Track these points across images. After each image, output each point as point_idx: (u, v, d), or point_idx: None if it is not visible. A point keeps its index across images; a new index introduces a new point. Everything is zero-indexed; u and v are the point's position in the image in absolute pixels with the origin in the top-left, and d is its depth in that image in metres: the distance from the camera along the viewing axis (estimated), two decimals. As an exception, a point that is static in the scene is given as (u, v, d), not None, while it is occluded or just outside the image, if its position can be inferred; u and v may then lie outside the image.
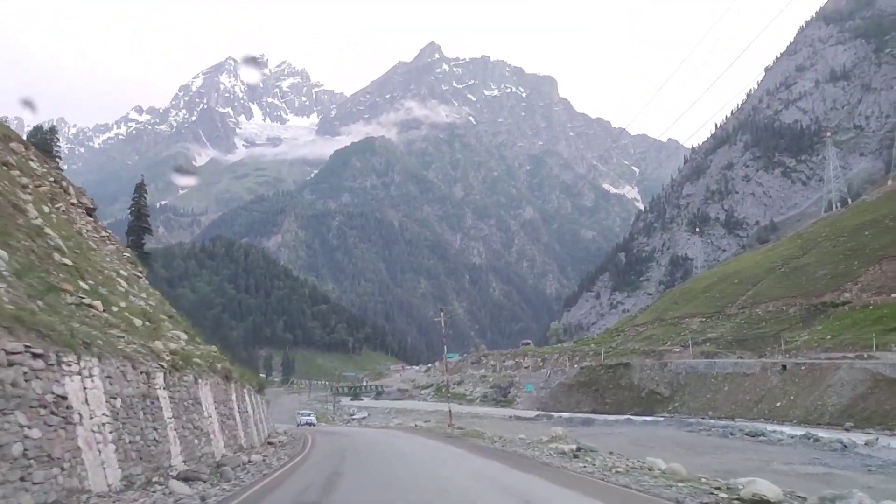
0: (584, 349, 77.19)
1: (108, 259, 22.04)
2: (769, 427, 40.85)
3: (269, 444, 23.94)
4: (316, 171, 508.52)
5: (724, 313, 75.51)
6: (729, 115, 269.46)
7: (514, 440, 27.06)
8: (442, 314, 37.37)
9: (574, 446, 21.01)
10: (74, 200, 25.00)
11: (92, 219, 26.39)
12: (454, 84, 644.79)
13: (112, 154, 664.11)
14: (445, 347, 37.25)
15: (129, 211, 60.95)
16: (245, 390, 24.06)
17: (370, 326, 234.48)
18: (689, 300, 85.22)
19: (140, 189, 58.85)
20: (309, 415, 55.44)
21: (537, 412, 60.53)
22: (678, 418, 51.37)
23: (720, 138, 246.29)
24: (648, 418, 51.81)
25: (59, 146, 75.66)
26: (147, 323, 16.26)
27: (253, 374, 31.88)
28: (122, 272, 21.95)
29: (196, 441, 14.51)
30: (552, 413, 60.00)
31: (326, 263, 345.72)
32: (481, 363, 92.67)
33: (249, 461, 16.46)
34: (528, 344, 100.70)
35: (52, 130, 57.74)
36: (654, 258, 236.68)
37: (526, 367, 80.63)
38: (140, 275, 27.61)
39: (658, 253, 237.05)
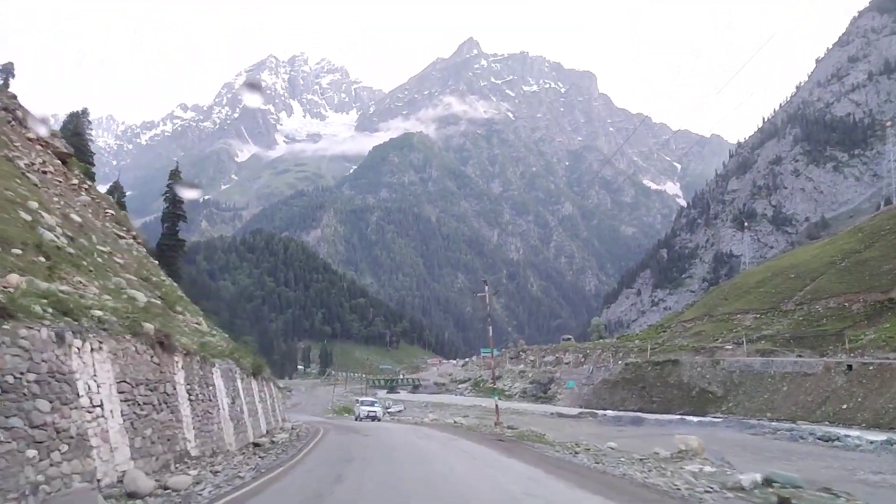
0: (628, 345, 73.94)
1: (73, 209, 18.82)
2: (839, 431, 37.57)
3: (256, 444, 18.69)
4: (355, 167, 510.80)
5: (779, 310, 71.46)
6: (778, 107, 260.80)
7: (606, 451, 19.73)
8: (486, 287, 32.98)
9: (755, 477, 11.67)
10: (32, 135, 21.02)
11: (64, 165, 22.70)
12: (492, 80, 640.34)
13: (158, 150, 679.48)
14: (490, 329, 32.80)
15: (164, 199, 60.54)
16: (237, 376, 19.55)
17: (408, 320, 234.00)
18: (741, 296, 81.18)
19: (175, 176, 58.21)
20: (372, 404, 46.94)
21: (580, 409, 57.91)
22: (735, 419, 48.13)
23: (768, 132, 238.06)
24: (703, 419, 48.65)
25: (91, 129, 76.96)
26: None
27: (247, 354, 25.59)
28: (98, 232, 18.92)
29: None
30: (596, 411, 57.33)
31: (365, 258, 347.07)
32: (520, 358, 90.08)
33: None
34: (569, 339, 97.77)
35: (84, 112, 57.80)
36: (697, 255, 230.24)
37: (567, 363, 77.81)
38: (126, 236, 24.32)
39: (702, 250, 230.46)
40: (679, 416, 49.23)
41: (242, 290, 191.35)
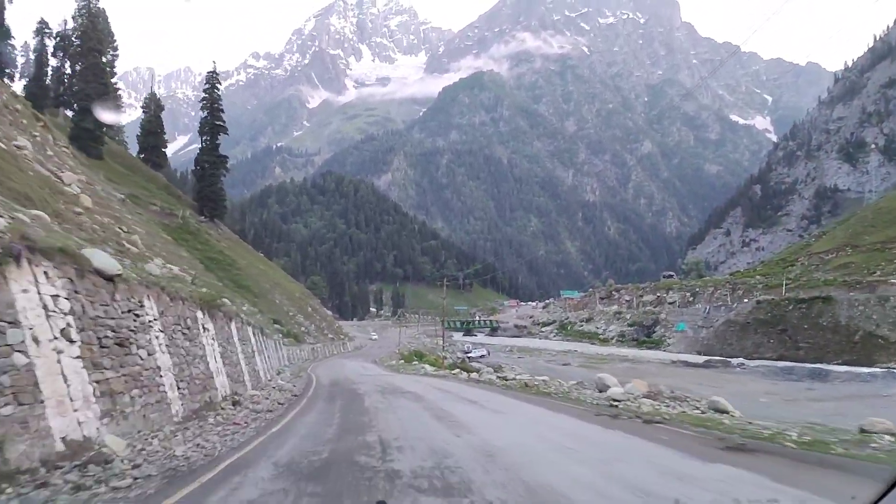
0: (748, 282, 63.37)
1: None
2: None
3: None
4: (424, 110, 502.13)
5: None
6: (892, 24, 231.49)
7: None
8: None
9: None
10: None
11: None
12: (566, 13, 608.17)
13: (233, 100, 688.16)
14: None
15: (200, 105, 54.33)
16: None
17: (481, 263, 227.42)
18: (894, 222, 68.17)
19: (212, 80, 51.63)
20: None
21: (704, 357, 48.49)
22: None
23: (880, 53, 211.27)
24: (875, 370, 38.52)
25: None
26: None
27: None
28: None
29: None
30: (728, 358, 47.48)
31: (435, 202, 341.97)
32: (612, 298, 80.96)
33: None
34: (671, 276, 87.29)
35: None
36: (795, 190, 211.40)
37: (671, 303, 68.27)
38: (52, 138, 19.28)
39: (801, 185, 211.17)
40: (885, 369, 37.95)
41: (314, 233, 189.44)
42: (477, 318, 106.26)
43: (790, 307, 49.32)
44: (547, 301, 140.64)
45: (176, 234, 46.36)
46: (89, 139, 49.33)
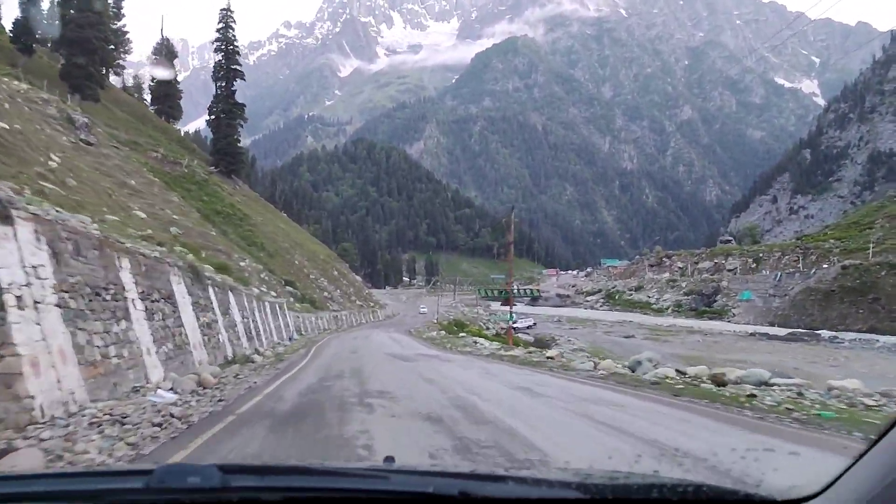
0: (821, 246, 57.48)
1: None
2: None
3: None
4: (456, 77, 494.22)
5: None
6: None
7: None
8: None
9: None
10: None
11: None
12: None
13: (266, 69, 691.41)
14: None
15: (215, 49, 50.26)
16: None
17: (515, 231, 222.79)
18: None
19: (226, 18, 47.47)
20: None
21: (786, 330, 43.11)
22: None
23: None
24: None
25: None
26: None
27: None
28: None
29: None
30: (813, 331, 42.23)
31: (468, 170, 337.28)
32: (663, 266, 75.84)
33: None
34: (730, 241, 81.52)
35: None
36: (847, 155, 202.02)
37: (731, 270, 62.92)
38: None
39: (853, 149, 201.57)
40: None
41: (346, 201, 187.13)
42: (515, 287, 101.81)
43: (883, 273, 43.57)
44: (588, 270, 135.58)
45: (177, 183, 43.24)
46: (83, 77, 44.17)
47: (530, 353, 23.06)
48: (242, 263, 32.57)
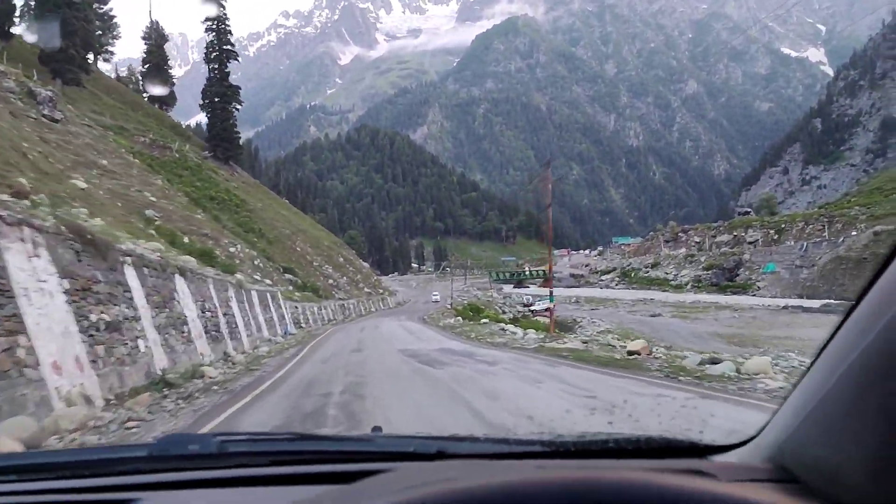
0: (846, 214, 55.27)
1: None
2: None
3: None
4: (458, 60, 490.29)
5: None
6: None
7: None
8: None
9: None
10: None
11: None
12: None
13: (265, 60, 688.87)
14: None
15: (206, 28, 48.76)
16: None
17: (524, 214, 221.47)
18: None
19: None
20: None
21: (819, 301, 41.17)
22: None
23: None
24: None
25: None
26: None
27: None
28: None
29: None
30: (843, 301, 40.75)
31: (473, 153, 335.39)
32: (679, 241, 74.34)
33: None
34: (748, 213, 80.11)
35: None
36: (859, 123, 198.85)
37: (751, 243, 61.15)
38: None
39: (865, 116, 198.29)
40: None
41: (351, 189, 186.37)
42: (526, 268, 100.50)
43: (920, 236, 42.06)
44: (600, 248, 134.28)
45: (166, 168, 41.51)
46: (63, 61, 41.39)
47: (588, 343, 19.20)
48: (233, 249, 30.74)
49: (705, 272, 60.15)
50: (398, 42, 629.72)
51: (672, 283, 62.51)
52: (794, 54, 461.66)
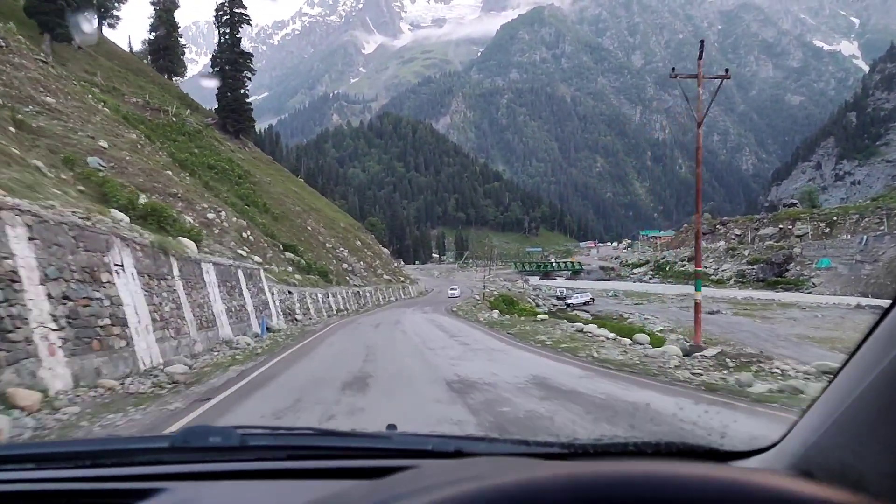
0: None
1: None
2: None
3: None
4: (482, 50, 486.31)
5: None
6: None
7: None
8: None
9: None
10: None
11: None
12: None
13: (290, 49, 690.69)
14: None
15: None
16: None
17: (547, 205, 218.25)
18: None
19: None
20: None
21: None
22: None
23: None
24: None
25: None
26: None
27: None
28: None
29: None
30: None
31: (496, 144, 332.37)
32: (716, 234, 70.90)
33: None
34: (794, 205, 76.62)
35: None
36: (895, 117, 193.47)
37: (799, 236, 57.51)
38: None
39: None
40: None
41: (373, 177, 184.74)
42: (552, 260, 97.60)
43: None
44: (628, 241, 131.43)
45: (159, 132, 37.16)
46: (53, 13, 36.35)
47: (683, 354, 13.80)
48: (212, 216, 25.90)
49: (750, 266, 56.51)
50: (422, 31, 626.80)
51: (712, 277, 59.03)
52: (826, 47, 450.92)
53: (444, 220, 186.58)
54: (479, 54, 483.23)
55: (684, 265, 68.36)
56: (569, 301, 49.85)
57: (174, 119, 40.39)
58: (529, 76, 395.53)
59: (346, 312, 33.92)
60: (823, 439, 0.85)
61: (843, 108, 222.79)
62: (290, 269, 30.05)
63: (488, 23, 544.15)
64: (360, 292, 41.52)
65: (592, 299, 51.11)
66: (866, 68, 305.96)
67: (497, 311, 32.80)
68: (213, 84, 54.80)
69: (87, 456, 1.29)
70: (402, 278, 63.35)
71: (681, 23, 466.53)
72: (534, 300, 46.26)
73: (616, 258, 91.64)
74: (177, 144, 36.31)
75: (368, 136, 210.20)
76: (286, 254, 32.89)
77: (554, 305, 46.86)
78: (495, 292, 48.65)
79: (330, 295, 33.15)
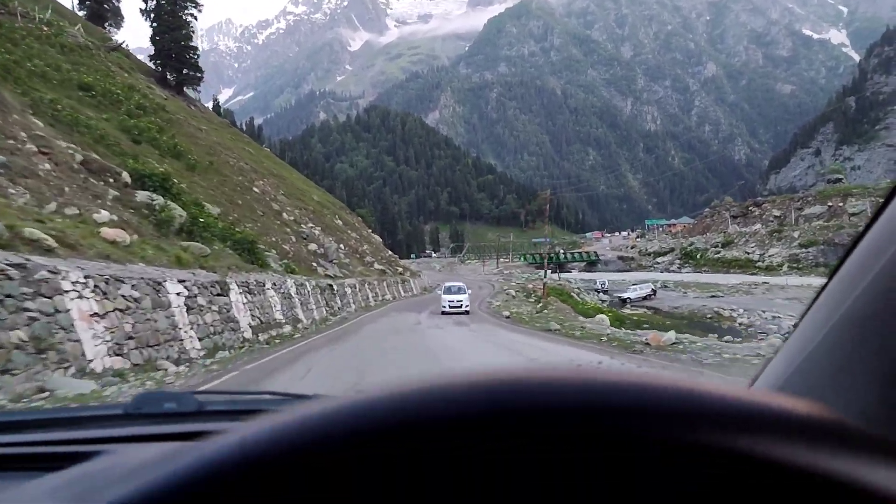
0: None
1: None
2: None
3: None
4: (469, 44, 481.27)
5: None
6: None
7: None
8: None
9: None
10: None
11: None
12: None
13: (274, 48, 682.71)
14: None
15: None
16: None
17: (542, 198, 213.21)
18: None
19: None
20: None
21: None
22: None
23: None
24: None
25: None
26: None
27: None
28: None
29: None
30: None
31: (487, 138, 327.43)
32: (749, 216, 64.85)
33: None
34: (840, 180, 71.52)
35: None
36: (895, 101, 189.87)
37: (854, 214, 52.04)
38: None
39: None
40: None
41: (361, 172, 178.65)
42: (559, 250, 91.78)
43: None
44: (639, 230, 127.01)
45: (28, 42, 24.28)
46: None
47: None
48: None
49: (804, 250, 50.36)
50: (408, 27, 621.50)
51: (758, 263, 52.81)
52: (815, 36, 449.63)
53: (436, 215, 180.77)
54: (466, 49, 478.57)
55: (719, 252, 61.97)
56: (625, 296, 42.96)
57: (44, 28, 27.28)
58: (518, 69, 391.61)
59: (293, 330, 18.62)
60: (790, 384, 0.84)
61: (840, 94, 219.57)
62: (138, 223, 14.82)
63: (475, 18, 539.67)
64: (337, 287, 27.65)
65: (654, 291, 45.34)
66: (856, 56, 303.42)
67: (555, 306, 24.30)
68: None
69: (43, 424, 1.28)
70: (399, 269, 53.55)
71: (669, 14, 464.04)
72: (577, 294, 39.29)
73: (632, 247, 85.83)
74: (32, 51, 23.48)
75: (356, 130, 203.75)
76: (138, 193, 16.42)
77: (602, 301, 40.60)
78: (528, 285, 41.03)
79: (263, 293, 17.89)
